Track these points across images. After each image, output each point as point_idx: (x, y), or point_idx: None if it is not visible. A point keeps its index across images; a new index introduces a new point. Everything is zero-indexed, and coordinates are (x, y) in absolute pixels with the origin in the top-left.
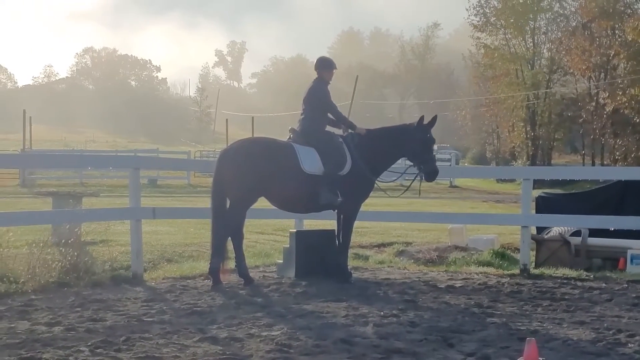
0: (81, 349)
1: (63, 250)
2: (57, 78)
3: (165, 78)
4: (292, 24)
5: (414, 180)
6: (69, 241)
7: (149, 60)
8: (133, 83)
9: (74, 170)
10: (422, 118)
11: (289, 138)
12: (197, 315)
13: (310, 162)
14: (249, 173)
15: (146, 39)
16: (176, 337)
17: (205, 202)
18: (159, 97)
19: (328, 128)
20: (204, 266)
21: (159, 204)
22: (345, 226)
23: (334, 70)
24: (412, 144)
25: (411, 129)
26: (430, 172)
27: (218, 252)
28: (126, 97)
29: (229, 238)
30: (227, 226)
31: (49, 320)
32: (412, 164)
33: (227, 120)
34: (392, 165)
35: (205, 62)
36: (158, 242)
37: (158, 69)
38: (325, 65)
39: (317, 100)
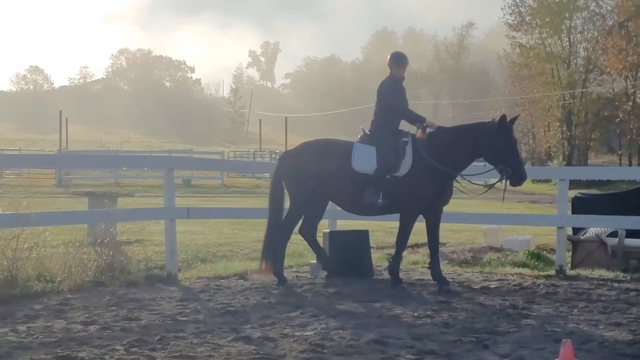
0: (116, 347)
1: (99, 250)
2: (92, 79)
3: (199, 79)
4: (326, 24)
5: (497, 182)
6: (105, 241)
7: (183, 61)
8: (167, 84)
9: (109, 170)
10: (504, 117)
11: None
12: (230, 315)
13: (364, 161)
14: (303, 173)
15: (180, 40)
16: (210, 337)
17: (239, 202)
18: (192, 98)
19: (406, 126)
20: (237, 266)
21: (193, 204)
22: (399, 229)
23: (404, 66)
24: (495, 145)
25: (492, 128)
26: (518, 177)
27: (278, 254)
28: (160, 98)
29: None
30: (286, 226)
31: (85, 319)
32: (492, 166)
33: (260, 120)
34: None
35: (239, 62)
36: (192, 242)
37: (192, 69)
38: (394, 61)
39: (381, 97)
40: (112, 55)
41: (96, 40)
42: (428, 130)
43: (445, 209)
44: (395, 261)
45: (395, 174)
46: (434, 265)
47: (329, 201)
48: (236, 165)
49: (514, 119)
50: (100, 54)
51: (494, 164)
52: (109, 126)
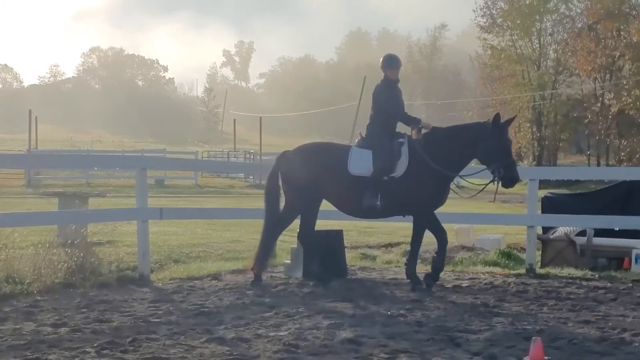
0: (87, 350)
1: (69, 251)
2: (63, 78)
3: (173, 78)
4: (301, 25)
5: (489, 183)
6: (75, 242)
7: (156, 60)
8: (140, 83)
9: (80, 170)
10: (498, 116)
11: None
12: (204, 316)
13: (360, 164)
14: (300, 175)
15: (153, 38)
16: (183, 338)
17: (213, 203)
18: (166, 97)
19: (403, 128)
20: (211, 267)
21: (166, 205)
22: (417, 232)
23: (397, 68)
24: (489, 146)
25: (487, 128)
26: (510, 179)
27: (266, 258)
28: (133, 97)
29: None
30: (278, 227)
31: (55, 321)
32: (485, 167)
33: (234, 120)
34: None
35: (213, 62)
36: (165, 242)
37: (165, 68)
38: (386, 64)
39: (375, 101)
40: (84, 53)
41: (67, 39)
42: (423, 131)
43: None
44: (411, 264)
45: (392, 175)
46: (410, 264)
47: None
48: (210, 165)
49: (509, 121)
50: (71, 52)
51: (486, 164)
52: (80, 125)
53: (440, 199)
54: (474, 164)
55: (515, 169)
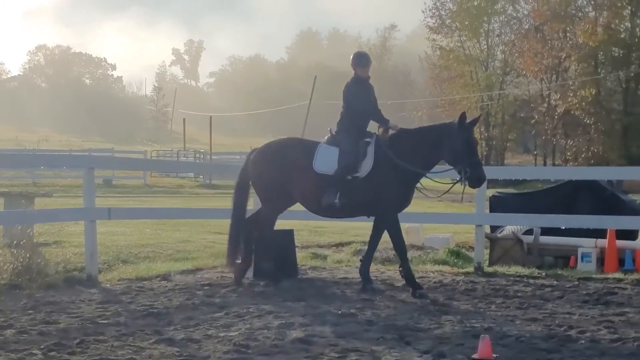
0: (34, 352)
1: (15, 252)
2: (8, 76)
3: (121, 76)
4: (251, 24)
5: (454, 184)
6: (21, 242)
7: (104, 58)
8: (87, 81)
9: (26, 170)
10: (463, 115)
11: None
12: (153, 317)
13: (325, 162)
14: (265, 172)
15: (101, 36)
16: (132, 340)
17: (162, 202)
18: (114, 96)
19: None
20: (160, 267)
21: (115, 205)
22: (391, 237)
23: (367, 65)
24: (454, 145)
25: (452, 128)
26: (476, 178)
27: (236, 250)
28: (80, 96)
29: (248, 237)
30: (251, 224)
31: (1, 323)
32: (452, 167)
33: (184, 119)
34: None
35: (162, 60)
36: (113, 243)
37: (113, 67)
38: (355, 62)
39: (344, 99)
40: (30, 51)
41: (12, 36)
42: (391, 132)
43: None
44: (405, 268)
45: (356, 175)
46: (365, 263)
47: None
48: (159, 165)
49: (474, 121)
50: (17, 50)
51: (452, 165)
52: (26, 124)
53: (405, 200)
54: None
55: (481, 168)
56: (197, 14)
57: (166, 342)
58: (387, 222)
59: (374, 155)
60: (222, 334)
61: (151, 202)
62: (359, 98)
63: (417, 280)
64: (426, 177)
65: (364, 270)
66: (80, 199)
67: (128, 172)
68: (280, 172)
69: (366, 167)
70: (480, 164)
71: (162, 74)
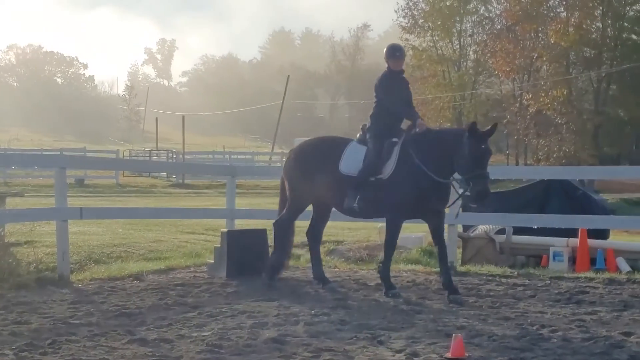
0: (5, 352)
1: None
2: None
3: (93, 76)
4: (224, 23)
5: (458, 198)
6: None
7: (76, 57)
8: (59, 81)
9: None
10: (474, 125)
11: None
12: (125, 317)
13: (351, 162)
14: (294, 171)
15: (73, 35)
16: (104, 340)
17: (134, 202)
18: (86, 95)
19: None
20: (133, 267)
21: (87, 204)
22: (386, 233)
23: (400, 58)
24: (461, 155)
25: (463, 135)
26: (476, 192)
27: (280, 248)
28: (52, 95)
29: (292, 237)
30: (284, 223)
31: None
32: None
33: (156, 119)
34: None
35: (135, 60)
36: (85, 243)
37: (85, 66)
38: (387, 54)
39: (375, 93)
40: (0, 50)
41: None
42: (417, 130)
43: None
44: (384, 266)
45: (380, 177)
46: (444, 273)
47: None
48: (131, 165)
49: (489, 130)
50: None
51: (460, 174)
52: None
53: (441, 201)
54: None
55: (486, 182)
56: (169, 13)
57: (139, 342)
58: (390, 220)
59: (397, 156)
60: (194, 334)
61: (123, 202)
62: (390, 93)
63: (391, 280)
64: (450, 183)
65: (446, 280)
66: (52, 199)
67: (100, 171)
68: (310, 173)
69: (389, 168)
70: (485, 177)
71: (134, 73)
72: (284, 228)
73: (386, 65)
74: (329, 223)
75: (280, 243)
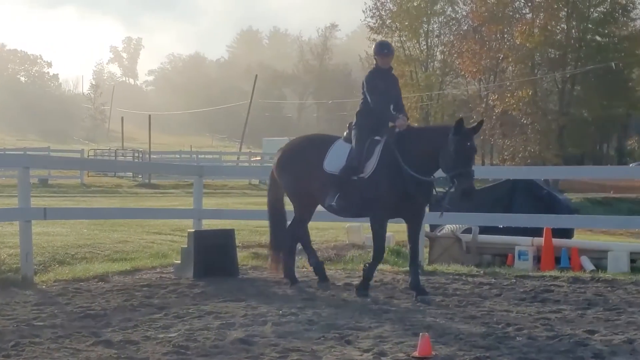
0: None
1: None
2: None
3: (57, 74)
4: (191, 22)
5: (444, 196)
6: None
7: (40, 55)
8: (22, 79)
9: None
10: (460, 121)
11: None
12: (90, 319)
13: (335, 160)
14: (286, 172)
15: (38, 33)
16: (68, 342)
17: (99, 202)
18: (50, 94)
19: None
20: (98, 268)
21: (51, 204)
22: (372, 235)
23: (388, 55)
24: (445, 152)
25: (447, 133)
26: (463, 190)
27: (289, 252)
28: (15, 94)
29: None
30: (291, 226)
31: None
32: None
33: (122, 118)
34: None
35: (100, 58)
36: (49, 243)
37: (49, 64)
38: (375, 51)
39: (362, 90)
40: None
41: None
42: (398, 129)
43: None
44: (370, 268)
45: (362, 175)
46: (413, 274)
47: None
48: (96, 164)
49: (475, 127)
50: None
51: (445, 172)
52: None
53: (404, 207)
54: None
55: (470, 180)
56: (135, 11)
57: (104, 344)
58: (374, 220)
59: (379, 155)
60: (161, 335)
61: (88, 202)
62: (375, 92)
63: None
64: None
65: (414, 282)
66: (15, 199)
67: (64, 171)
68: (298, 172)
69: (370, 167)
70: (470, 175)
71: (99, 71)
72: (292, 230)
73: (374, 62)
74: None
75: (304, 246)
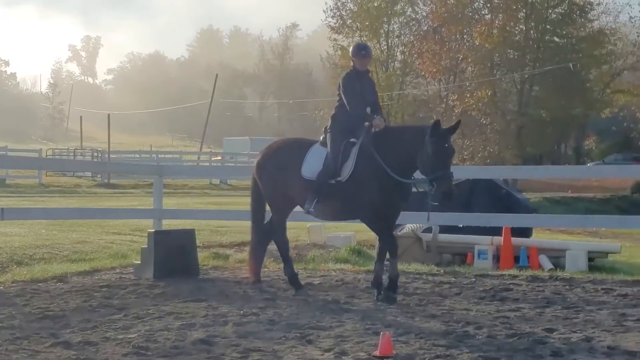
0: None
1: None
2: None
3: (15, 73)
4: (150, 20)
5: (428, 200)
6: None
7: None
8: None
9: None
10: (438, 123)
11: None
12: (49, 320)
13: (312, 165)
14: (265, 176)
15: None
16: (27, 343)
17: (58, 202)
18: (7, 93)
19: None
20: (56, 268)
21: (8, 205)
22: (378, 238)
23: (365, 57)
24: (423, 154)
25: (424, 133)
26: (443, 193)
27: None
28: None
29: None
30: (268, 229)
31: None
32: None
33: (81, 117)
34: None
35: (58, 57)
36: (7, 244)
37: (7, 63)
38: (352, 52)
39: (338, 92)
40: None
41: None
42: (374, 129)
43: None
44: (391, 266)
45: (339, 179)
46: (378, 271)
47: None
48: (55, 164)
49: (452, 128)
50: None
51: (423, 175)
52: None
53: (401, 200)
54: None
55: (449, 183)
56: (94, 9)
57: (62, 345)
58: (370, 225)
59: (356, 157)
60: (120, 336)
61: (46, 202)
62: (352, 95)
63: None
64: (412, 183)
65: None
66: None
67: (22, 171)
68: (276, 176)
69: (347, 170)
70: (449, 178)
71: (57, 70)
72: (267, 228)
73: (352, 63)
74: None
75: (282, 254)
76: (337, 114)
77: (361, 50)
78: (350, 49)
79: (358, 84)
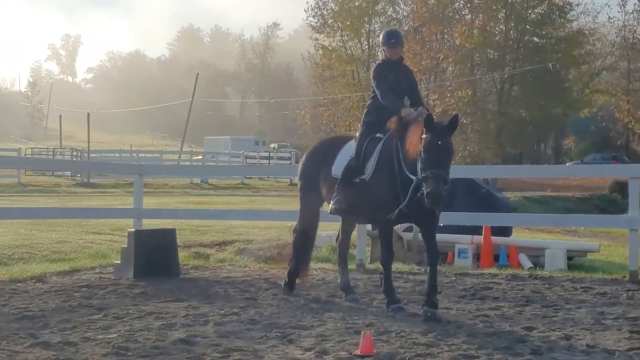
0: None
1: None
2: None
3: None
4: (130, 19)
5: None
6: None
7: None
8: None
9: None
10: (429, 117)
11: None
12: (28, 320)
13: (342, 163)
14: (303, 176)
15: None
16: (5, 343)
17: (37, 202)
18: None
19: None
20: (35, 268)
21: None
22: (380, 242)
23: (396, 46)
24: (421, 150)
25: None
26: (427, 195)
27: (296, 257)
28: None
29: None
30: (306, 231)
31: None
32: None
33: (60, 116)
34: None
35: (37, 56)
36: None
37: None
38: (382, 41)
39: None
40: None
41: None
42: (405, 121)
43: (252, 206)
44: (384, 276)
45: (363, 177)
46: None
47: None
48: (34, 163)
49: (451, 122)
50: None
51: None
52: None
53: (412, 210)
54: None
55: (439, 184)
56: (74, 8)
57: (42, 346)
58: (379, 228)
59: (378, 154)
60: (100, 337)
61: (25, 202)
62: (383, 85)
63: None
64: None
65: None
66: None
67: (1, 170)
68: (311, 175)
69: (369, 168)
70: (439, 178)
71: (37, 69)
72: (299, 235)
73: (382, 53)
74: (239, 222)
75: (296, 251)
76: (369, 107)
77: (391, 39)
78: (380, 37)
79: (390, 74)
